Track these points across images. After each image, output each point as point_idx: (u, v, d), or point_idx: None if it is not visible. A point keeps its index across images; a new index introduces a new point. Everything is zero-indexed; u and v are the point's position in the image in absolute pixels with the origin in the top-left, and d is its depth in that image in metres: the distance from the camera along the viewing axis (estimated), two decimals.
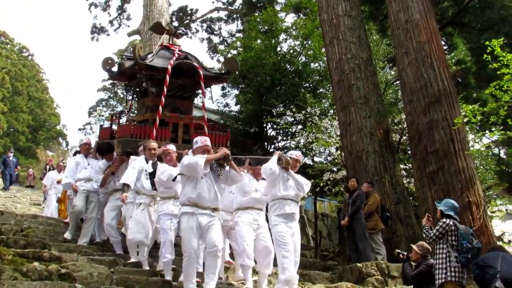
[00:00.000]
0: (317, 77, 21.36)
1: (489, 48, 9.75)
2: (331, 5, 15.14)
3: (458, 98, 13.43)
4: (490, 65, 9.96)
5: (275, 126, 20.47)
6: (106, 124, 43.17)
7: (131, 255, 8.31)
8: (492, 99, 11.69)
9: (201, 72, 10.80)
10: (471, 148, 13.04)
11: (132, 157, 8.59)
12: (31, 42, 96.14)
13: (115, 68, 11.27)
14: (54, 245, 8.24)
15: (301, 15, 24.25)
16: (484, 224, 10.35)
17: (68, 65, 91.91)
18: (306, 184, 7.56)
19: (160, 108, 10.13)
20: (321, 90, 21.55)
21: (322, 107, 19.70)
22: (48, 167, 21.05)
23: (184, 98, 11.19)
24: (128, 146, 9.64)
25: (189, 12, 30.64)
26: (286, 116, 19.59)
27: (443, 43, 15.56)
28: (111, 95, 43.97)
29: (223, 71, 11.90)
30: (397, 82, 17.51)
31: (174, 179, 7.04)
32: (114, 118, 11.92)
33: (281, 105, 20.15)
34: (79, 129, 45.62)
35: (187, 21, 30.39)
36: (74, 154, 11.61)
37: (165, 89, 10.18)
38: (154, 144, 8.36)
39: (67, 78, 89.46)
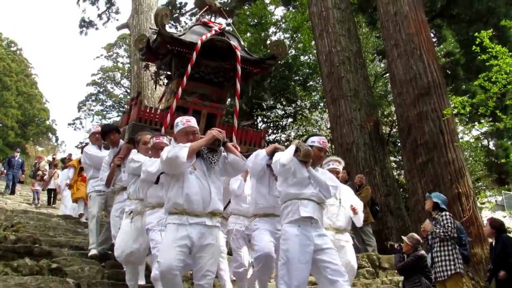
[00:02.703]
0: (307, 70, 21.41)
1: (477, 39, 9.79)
2: None
3: (447, 90, 13.51)
4: (479, 57, 10.00)
5: (265, 120, 20.50)
6: (96, 119, 43.30)
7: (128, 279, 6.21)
8: (481, 91, 11.75)
9: (238, 53, 8.89)
10: (461, 140, 13.15)
11: (134, 150, 6.60)
12: (19, 37, 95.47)
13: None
14: (44, 240, 8.19)
15: (291, 8, 24.21)
16: (474, 215, 10.43)
17: (56, 59, 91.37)
18: (332, 185, 5.46)
19: (180, 91, 8.32)
20: (311, 83, 21.63)
21: (312, 100, 19.79)
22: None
23: (217, 85, 9.27)
24: (135, 132, 7.73)
25: (178, 5, 30.45)
26: (276, 109, 19.65)
27: (432, 35, 15.62)
28: (101, 90, 43.81)
29: (267, 56, 9.80)
30: (387, 74, 17.57)
31: (156, 182, 5.17)
32: (132, 101, 9.81)
33: (271, 98, 20.18)
34: (69, 124, 45.51)
35: (176, 14, 30.18)
36: (81, 149, 11.22)
37: (189, 69, 8.36)
38: (149, 136, 6.40)
39: (56, 72, 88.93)
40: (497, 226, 8.01)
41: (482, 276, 9.50)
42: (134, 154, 6.23)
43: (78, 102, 44.70)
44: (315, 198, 5.35)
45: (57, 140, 49.16)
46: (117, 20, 30.65)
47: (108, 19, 28.21)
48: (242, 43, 9.53)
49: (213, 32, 9.00)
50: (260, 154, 5.65)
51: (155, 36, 9.07)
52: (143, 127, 7.95)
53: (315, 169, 5.54)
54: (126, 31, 28.54)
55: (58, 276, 6.01)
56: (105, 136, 7.74)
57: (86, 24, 28.42)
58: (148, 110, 8.52)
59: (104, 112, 44.02)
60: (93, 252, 7.61)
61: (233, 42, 9.06)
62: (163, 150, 4.90)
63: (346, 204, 6.30)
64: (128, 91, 38.28)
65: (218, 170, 5.03)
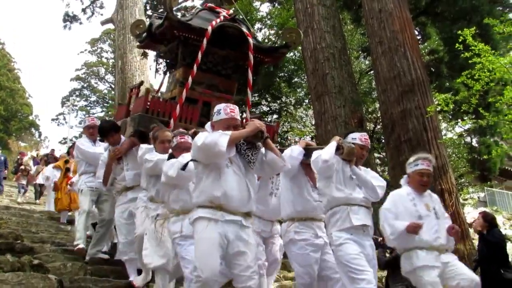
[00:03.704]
0: (292, 67, 21.44)
1: (461, 37, 9.86)
2: None
3: (431, 87, 13.60)
4: (462, 55, 10.07)
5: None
6: (80, 114, 43.01)
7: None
8: (464, 88, 11.85)
9: (251, 40, 8.16)
10: (444, 137, 13.24)
11: (142, 145, 5.90)
12: (2, 31, 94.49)
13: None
14: (26, 236, 8.13)
15: (276, 4, 24.22)
16: (456, 211, 10.52)
17: (40, 54, 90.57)
18: (380, 185, 5.11)
19: (190, 81, 7.60)
20: (296, 79, 21.66)
21: (297, 97, 19.85)
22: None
23: (226, 76, 8.58)
24: (141, 124, 7.11)
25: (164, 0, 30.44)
26: (261, 106, 19.64)
27: (416, 32, 15.71)
28: (85, 85, 43.54)
29: (280, 45, 9.09)
30: (371, 71, 17.65)
31: (184, 168, 4.56)
32: (132, 91, 8.80)
33: (256, 94, 20.18)
34: (52, 120, 45.27)
35: (162, 9, 30.14)
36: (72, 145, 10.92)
37: (199, 57, 7.67)
38: (168, 134, 5.71)
39: (39, 67, 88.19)
40: (489, 219, 8.25)
41: None
42: (148, 154, 5.60)
43: (62, 97, 44.58)
44: (365, 203, 5.00)
45: (40, 135, 48.83)
46: (102, 14, 30.55)
47: (93, 13, 27.98)
48: (252, 30, 8.83)
49: (222, 18, 8.24)
50: (296, 150, 5.22)
51: (157, 21, 8.33)
52: (150, 118, 7.22)
53: (358, 168, 5.15)
54: (110, 26, 28.37)
55: (40, 273, 5.95)
56: (104, 136, 7.00)
57: (70, 18, 28.17)
58: (155, 101, 7.72)
59: (88, 108, 43.83)
60: (80, 245, 7.14)
61: (244, 29, 8.37)
62: (196, 136, 4.27)
63: (442, 216, 5.49)
64: (113, 86, 38.08)
65: (254, 169, 4.43)
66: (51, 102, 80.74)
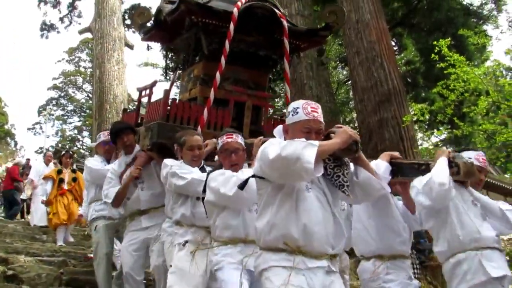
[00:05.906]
0: (271, 76, 21.55)
1: (436, 48, 10.02)
2: (284, 4, 15.24)
3: (408, 97, 13.77)
4: (438, 65, 10.25)
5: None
6: (56, 124, 42.53)
7: None
8: (439, 98, 12.05)
9: (285, 23, 6.48)
10: (420, 147, 13.39)
11: (167, 161, 4.59)
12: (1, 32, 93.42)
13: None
14: (0, 246, 8.01)
15: None
16: None
17: (16, 63, 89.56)
18: (510, 210, 3.90)
19: (218, 77, 6.01)
20: (275, 89, 21.74)
21: (276, 106, 19.85)
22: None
23: (256, 67, 6.93)
24: (161, 134, 5.46)
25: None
26: None
27: (393, 43, 15.91)
28: (62, 94, 43.16)
29: (320, 27, 7.58)
30: (349, 81, 17.82)
31: (242, 186, 3.31)
32: (143, 95, 6.83)
33: None
34: (28, 129, 44.67)
35: None
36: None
37: (227, 46, 6.07)
38: (198, 138, 4.63)
39: (15, 76, 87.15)
40: None
41: (440, 280, 9.66)
42: (178, 168, 4.43)
43: (38, 107, 43.87)
44: (498, 244, 3.75)
45: (16, 145, 48.13)
46: (79, 24, 30.05)
47: (70, 22, 27.76)
48: (283, 10, 7.19)
49: None
50: (381, 166, 3.72)
51: (168, 6, 6.67)
52: (172, 127, 5.63)
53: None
54: (88, 35, 28.14)
55: (14, 283, 5.89)
56: (116, 137, 5.57)
57: (47, 27, 27.93)
58: (178, 104, 6.08)
59: (65, 117, 43.43)
60: None
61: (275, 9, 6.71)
62: (266, 143, 2.99)
63: None
64: (90, 95, 37.83)
65: (348, 195, 3.09)
66: (27, 111, 79.71)
